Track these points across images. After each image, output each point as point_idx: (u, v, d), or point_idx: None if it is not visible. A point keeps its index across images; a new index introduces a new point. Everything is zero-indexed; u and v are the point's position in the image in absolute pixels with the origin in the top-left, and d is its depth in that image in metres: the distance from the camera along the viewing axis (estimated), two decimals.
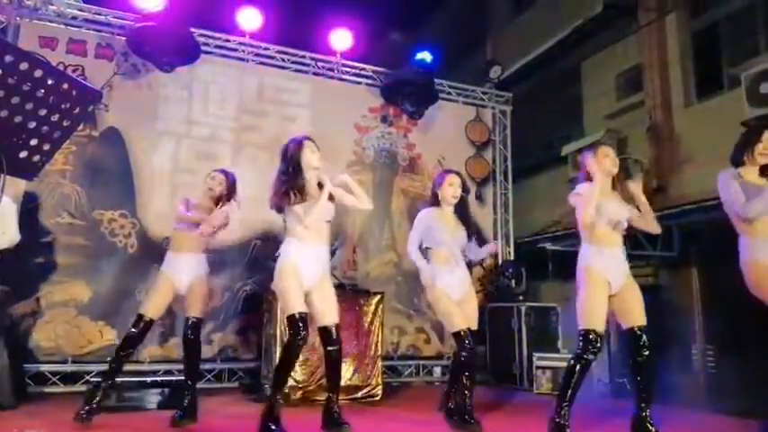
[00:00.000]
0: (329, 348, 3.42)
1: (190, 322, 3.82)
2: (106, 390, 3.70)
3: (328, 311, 3.41)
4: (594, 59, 7.58)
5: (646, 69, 6.80)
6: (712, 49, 6.24)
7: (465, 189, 3.95)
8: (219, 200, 3.92)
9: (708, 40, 6.35)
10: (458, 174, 3.98)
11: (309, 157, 3.43)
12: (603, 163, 3.35)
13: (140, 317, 3.75)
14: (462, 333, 3.60)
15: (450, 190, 3.84)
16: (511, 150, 7.72)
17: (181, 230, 3.89)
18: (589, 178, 3.36)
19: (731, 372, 5.01)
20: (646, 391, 3.22)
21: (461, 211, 3.92)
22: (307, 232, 3.35)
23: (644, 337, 3.22)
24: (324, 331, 3.43)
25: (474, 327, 3.78)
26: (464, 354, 3.59)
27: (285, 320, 3.33)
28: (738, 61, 5.56)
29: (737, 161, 3.42)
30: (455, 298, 3.73)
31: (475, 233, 4.06)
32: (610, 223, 3.30)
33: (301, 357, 4.92)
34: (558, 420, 3.16)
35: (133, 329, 3.74)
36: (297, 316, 3.22)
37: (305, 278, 3.33)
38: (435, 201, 3.91)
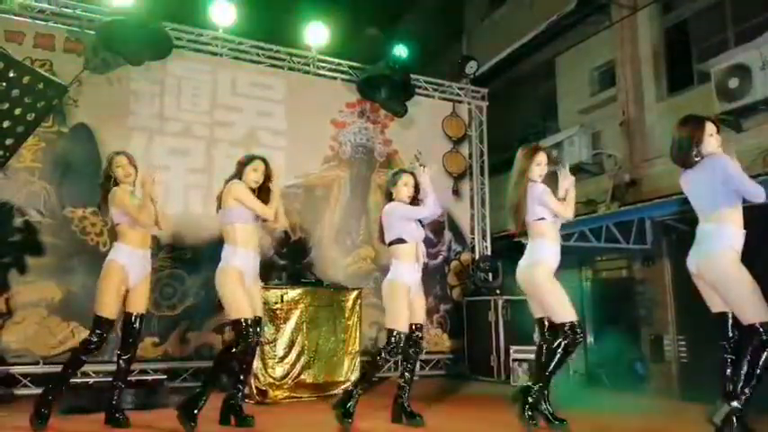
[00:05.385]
0: (246, 343, 3.55)
1: (140, 319, 3.75)
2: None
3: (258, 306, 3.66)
4: (569, 55, 7.66)
5: (619, 65, 6.90)
6: (683, 44, 6.35)
7: (417, 190, 3.79)
8: None
9: (678, 35, 6.46)
10: (412, 174, 3.84)
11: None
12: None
13: (104, 319, 3.59)
14: (395, 333, 3.69)
15: (405, 190, 3.76)
16: (487, 145, 7.76)
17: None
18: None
19: (703, 361, 5.11)
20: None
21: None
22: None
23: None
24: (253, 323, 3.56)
25: (422, 321, 3.92)
26: (382, 354, 3.70)
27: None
28: (708, 57, 5.66)
29: (689, 163, 3.12)
30: (411, 296, 3.79)
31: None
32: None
33: (280, 354, 4.91)
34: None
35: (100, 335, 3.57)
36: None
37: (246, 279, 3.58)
38: (389, 200, 3.82)
